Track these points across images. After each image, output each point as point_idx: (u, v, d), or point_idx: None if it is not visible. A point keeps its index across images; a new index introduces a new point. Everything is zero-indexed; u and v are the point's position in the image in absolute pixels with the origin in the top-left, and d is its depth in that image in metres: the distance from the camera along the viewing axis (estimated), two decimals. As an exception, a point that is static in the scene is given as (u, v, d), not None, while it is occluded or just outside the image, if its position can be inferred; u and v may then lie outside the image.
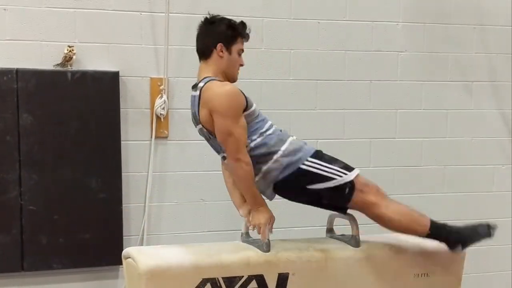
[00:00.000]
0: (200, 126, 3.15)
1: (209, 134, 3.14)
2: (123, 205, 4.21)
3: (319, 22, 4.49)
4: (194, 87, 3.13)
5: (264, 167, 3.08)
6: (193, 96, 3.11)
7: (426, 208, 4.71)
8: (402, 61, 4.71)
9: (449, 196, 4.86)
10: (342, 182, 3.06)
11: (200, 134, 3.23)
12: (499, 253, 4.99)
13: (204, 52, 3.14)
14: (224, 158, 3.18)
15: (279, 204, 4.16)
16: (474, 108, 4.88)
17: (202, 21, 3.18)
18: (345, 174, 3.08)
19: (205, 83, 3.05)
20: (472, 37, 4.82)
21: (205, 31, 3.16)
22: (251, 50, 4.38)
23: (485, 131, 4.91)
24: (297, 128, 4.24)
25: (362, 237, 3.19)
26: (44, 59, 4.07)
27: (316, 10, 4.51)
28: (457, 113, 4.85)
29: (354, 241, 3.17)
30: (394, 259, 3.20)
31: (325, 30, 4.55)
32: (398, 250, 3.24)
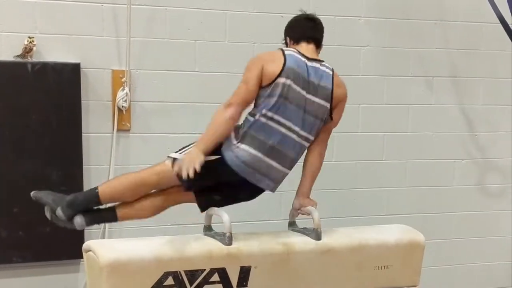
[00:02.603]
0: (326, 103, 3.25)
1: (321, 115, 3.24)
2: (84, 198, 4.17)
3: (282, 16, 4.49)
4: (309, 59, 3.26)
5: None
6: (318, 69, 3.26)
7: (388, 202, 4.82)
8: (364, 56, 4.74)
9: (411, 190, 4.91)
10: None
11: (304, 107, 3.20)
12: (458, 246, 5.07)
13: (320, 43, 3.45)
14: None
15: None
16: (435, 103, 4.93)
17: (313, 17, 3.50)
18: None
19: (332, 70, 3.33)
20: (433, 32, 4.87)
21: (322, 27, 3.49)
22: (214, 43, 4.41)
23: (446, 125, 4.96)
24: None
25: (323, 230, 3.21)
26: (3, 50, 4.01)
27: (279, 3, 4.50)
28: (419, 108, 4.90)
29: (315, 234, 3.19)
30: (354, 252, 3.23)
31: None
32: (358, 243, 3.26)
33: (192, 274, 2.91)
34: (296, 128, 3.18)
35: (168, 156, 3.20)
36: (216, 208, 3.18)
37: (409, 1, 4.81)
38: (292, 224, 3.39)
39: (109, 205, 3.33)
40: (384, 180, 4.85)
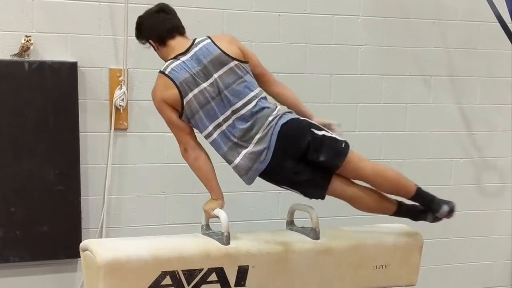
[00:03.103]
0: (233, 62, 3.18)
1: (244, 68, 3.20)
2: (82, 198, 4.17)
3: (279, 15, 4.49)
4: (190, 47, 3.20)
5: None
6: (195, 53, 3.18)
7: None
8: (362, 55, 4.74)
9: (408, 189, 4.90)
10: None
11: (218, 89, 3.15)
12: (456, 245, 5.07)
13: (183, 29, 3.32)
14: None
15: (240, 197, 4.17)
16: (432, 102, 4.93)
17: (163, 6, 3.37)
18: None
19: (209, 37, 3.24)
20: (431, 31, 4.87)
21: (175, 11, 3.36)
22: (212, 42, 4.40)
23: (443, 125, 4.96)
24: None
25: (321, 230, 3.20)
26: (0, 49, 4.00)
27: (277, 2, 4.50)
28: (416, 107, 4.90)
29: (313, 233, 3.19)
30: (353, 251, 3.23)
31: (285, 23, 4.55)
32: (357, 242, 3.26)
33: (190, 274, 2.91)
34: (231, 108, 3.14)
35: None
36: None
37: (407, 0, 4.80)
38: (290, 224, 3.39)
39: None
40: (382, 179, 4.84)
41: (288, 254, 3.09)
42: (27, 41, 3.97)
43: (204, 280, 2.94)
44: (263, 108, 3.15)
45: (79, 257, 3.05)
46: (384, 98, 4.81)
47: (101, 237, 4.20)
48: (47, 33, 4.08)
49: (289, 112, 3.22)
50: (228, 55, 3.19)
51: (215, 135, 3.13)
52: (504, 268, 5.21)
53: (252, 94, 3.16)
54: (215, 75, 3.15)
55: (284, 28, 4.54)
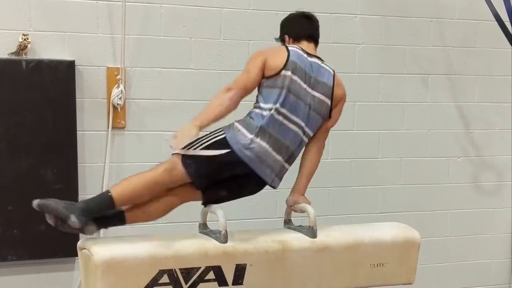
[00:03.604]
0: (326, 99, 3.31)
1: (322, 112, 3.31)
2: (79, 196, 4.15)
3: (277, 14, 4.48)
4: (310, 56, 3.34)
5: None
6: (318, 65, 3.34)
7: (384, 199, 4.82)
8: (360, 54, 4.74)
9: (406, 187, 4.91)
10: None
11: (309, 103, 3.25)
12: (453, 243, 5.07)
13: (318, 42, 3.53)
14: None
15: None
16: (430, 101, 4.93)
17: (311, 15, 3.58)
18: None
19: (333, 70, 3.41)
20: (429, 30, 4.87)
21: (319, 26, 3.56)
22: (209, 40, 4.40)
23: (441, 123, 4.96)
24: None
25: (319, 228, 3.20)
26: (-2, 47, 4.01)
27: (275, 1, 4.50)
28: (414, 106, 4.90)
29: (311, 232, 3.19)
30: (350, 250, 3.23)
31: (283, 21, 4.54)
32: (354, 241, 3.26)
33: (187, 272, 2.91)
34: (302, 124, 3.23)
35: (173, 154, 3.17)
36: (211, 206, 3.18)
37: (405, -2, 4.81)
38: (287, 222, 3.39)
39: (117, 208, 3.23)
40: (380, 178, 4.85)
41: (286, 253, 3.09)
42: (25, 39, 3.97)
43: (201, 279, 2.94)
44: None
45: (77, 256, 3.05)
46: (382, 96, 4.81)
47: (98, 235, 4.19)
48: (44, 32, 4.08)
49: None
50: (331, 95, 3.32)
51: (282, 121, 3.18)
52: (502, 266, 5.21)
53: (305, 140, 3.30)
54: (315, 94, 3.27)
55: (281, 27, 4.54)
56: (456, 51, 4.94)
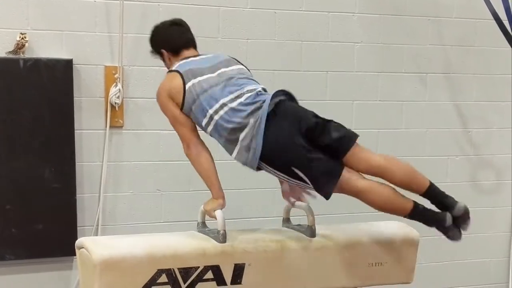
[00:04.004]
0: (242, 65, 3.28)
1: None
2: (77, 195, 4.16)
3: (275, 12, 4.49)
4: (196, 57, 3.26)
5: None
6: (216, 54, 3.29)
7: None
8: (358, 52, 4.73)
9: (404, 186, 4.90)
10: None
11: (227, 75, 3.16)
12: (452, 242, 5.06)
13: (195, 42, 3.36)
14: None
15: (236, 195, 4.16)
16: (428, 99, 4.93)
17: (179, 20, 3.41)
18: None
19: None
20: (427, 28, 4.87)
21: (189, 28, 3.38)
22: (207, 39, 4.39)
23: (439, 122, 4.96)
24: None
25: (317, 227, 3.20)
26: (-5, 46, 4.00)
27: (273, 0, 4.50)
28: (412, 105, 4.90)
29: (310, 231, 3.18)
30: (348, 249, 3.22)
31: (281, 20, 4.54)
32: (352, 240, 3.26)
33: (186, 272, 2.90)
34: (233, 96, 3.09)
35: None
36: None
37: (403, -3, 4.81)
38: (286, 221, 3.38)
39: None
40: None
41: (284, 252, 3.09)
42: (22, 38, 3.96)
43: (200, 278, 2.93)
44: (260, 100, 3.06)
45: (75, 255, 3.04)
46: (380, 95, 4.81)
47: (96, 235, 4.20)
48: (42, 30, 4.07)
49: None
50: (239, 62, 3.27)
51: (218, 119, 3.05)
52: (501, 265, 5.21)
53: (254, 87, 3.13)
54: (222, 69, 3.17)
55: (280, 25, 4.54)
56: (454, 49, 4.94)
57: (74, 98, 4.13)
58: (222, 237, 3.00)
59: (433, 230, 4.92)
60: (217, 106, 3.06)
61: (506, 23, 4.49)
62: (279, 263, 3.08)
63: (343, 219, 4.45)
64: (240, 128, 3.02)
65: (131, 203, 4.33)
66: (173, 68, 3.21)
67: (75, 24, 4.13)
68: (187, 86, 3.10)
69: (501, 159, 5.12)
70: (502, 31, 4.50)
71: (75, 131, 4.15)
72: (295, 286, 3.14)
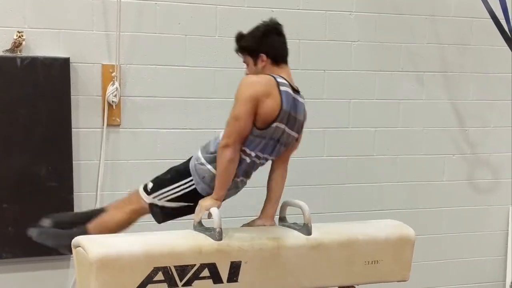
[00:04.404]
0: (297, 134, 3.24)
1: (289, 145, 3.24)
2: (74, 194, 4.16)
3: (272, 11, 4.48)
4: (296, 92, 3.18)
5: None
6: (300, 103, 3.19)
7: (378, 197, 4.83)
8: (355, 51, 4.74)
9: (401, 185, 4.91)
10: None
11: (283, 138, 3.17)
12: (448, 241, 5.07)
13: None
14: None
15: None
16: (425, 98, 4.93)
17: (282, 29, 3.26)
18: None
19: (304, 100, 3.25)
20: (424, 27, 4.87)
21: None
22: (204, 37, 4.40)
23: (436, 121, 4.97)
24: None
25: (313, 225, 3.20)
26: (-8, 44, 4.00)
27: (270, -2, 4.51)
28: (409, 103, 4.90)
29: (305, 229, 3.18)
30: (345, 247, 3.22)
31: (279, 18, 4.51)
32: (348, 238, 3.26)
33: (182, 270, 2.90)
34: (270, 158, 3.23)
35: (144, 189, 3.30)
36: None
37: (400, -4, 4.82)
38: (282, 219, 3.38)
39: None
40: (375, 175, 4.85)
41: (280, 250, 3.09)
42: (19, 36, 3.96)
43: (196, 276, 2.93)
44: None
45: (72, 253, 3.04)
46: (377, 94, 4.81)
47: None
48: (39, 29, 4.07)
49: None
50: (301, 129, 3.27)
51: (246, 158, 3.14)
52: (497, 263, 5.22)
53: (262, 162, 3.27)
54: (290, 132, 3.18)
55: (277, 24, 4.53)
56: (451, 48, 4.94)
57: (71, 96, 4.13)
58: (218, 235, 3.00)
59: (431, 228, 4.95)
60: (259, 154, 3.16)
61: (503, 21, 4.50)
62: (275, 261, 3.08)
63: (339, 217, 4.45)
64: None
65: (128, 202, 4.32)
66: (279, 81, 3.07)
67: (72, 22, 4.13)
68: (274, 124, 3.06)
69: (498, 158, 5.13)
70: (499, 29, 4.50)
71: (72, 129, 4.15)
72: (291, 284, 3.14)
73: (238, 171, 3.15)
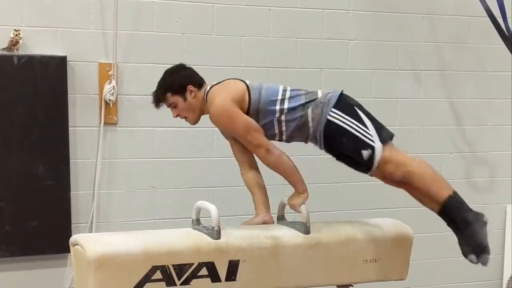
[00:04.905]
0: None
1: None
2: (71, 192, 4.16)
3: (270, 9, 4.48)
4: None
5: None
6: None
7: (376, 195, 4.82)
8: (352, 49, 4.74)
9: (399, 183, 4.90)
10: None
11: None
12: (446, 239, 5.07)
13: None
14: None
15: (230, 192, 4.16)
16: (423, 96, 4.93)
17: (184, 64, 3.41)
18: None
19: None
20: (421, 26, 4.87)
21: None
22: (202, 36, 4.39)
23: (433, 119, 4.97)
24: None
25: (312, 224, 3.20)
26: (-11, 43, 3.98)
27: (267, -3, 4.51)
28: (407, 102, 4.90)
29: (304, 228, 3.18)
30: (343, 246, 3.22)
31: (276, 17, 4.54)
32: (347, 236, 3.26)
33: (180, 268, 2.89)
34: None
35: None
36: (204, 202, 3.17)
37: (397, -6, 4.82)
38: (281, 218, 3.38)
39: None
40: (372, 174, 4.84)
41: (279, 249, 3.08)
42: (16, 35, 3.96)
43: (194, 275, 2.93)
44: None
45: (69, 252, 3.03)
46: (374, 92, 4.81)
47: (91, 232, 4.19)
48: (36, 27, 4.07)
49: None
50: None
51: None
52: (494, 262, 5.22)
53: None
54: None
55: (274, 23, 4.54)
56: (448, 47, 4.95)
57: (68, 95, 4.12)
58: (216, 234, 3.00)
59: (429, 227, 4.95)
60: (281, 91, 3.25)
61: (500, 20, 4.50)
62: (273, 260, 3.07)
63: (338, 216, 4.45)
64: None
65: (125, 200, 4.32)
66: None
67: (69, 21, 4.13)
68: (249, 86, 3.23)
69: (496, 156, 5.13)
70: (496, 28, 4.51)
71: (69, 128, 4.15)
72: (289, 283, 3.14)
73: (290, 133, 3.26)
